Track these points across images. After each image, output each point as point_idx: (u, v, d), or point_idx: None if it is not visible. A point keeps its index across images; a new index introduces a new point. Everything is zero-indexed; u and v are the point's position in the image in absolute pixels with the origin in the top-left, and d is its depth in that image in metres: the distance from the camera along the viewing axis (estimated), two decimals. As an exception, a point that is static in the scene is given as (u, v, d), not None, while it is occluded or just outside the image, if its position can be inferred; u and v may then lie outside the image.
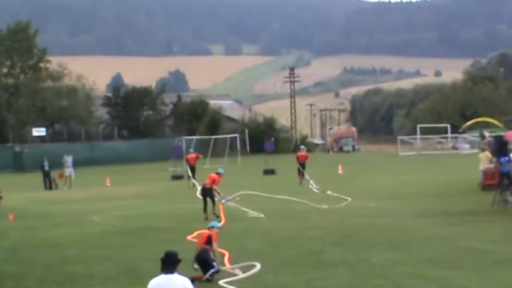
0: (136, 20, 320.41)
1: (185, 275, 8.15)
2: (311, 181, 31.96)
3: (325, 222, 19.60)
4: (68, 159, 37.53)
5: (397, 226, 18.33)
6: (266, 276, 12.56)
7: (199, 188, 25.22)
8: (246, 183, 35.00)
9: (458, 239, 15.98)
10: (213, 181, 20.88)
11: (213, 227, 13.29)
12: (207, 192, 20.91)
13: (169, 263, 7.87)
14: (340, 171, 39.70)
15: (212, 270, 12.37)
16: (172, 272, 7.81)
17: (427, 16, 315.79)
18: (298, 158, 35.22)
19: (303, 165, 34.56)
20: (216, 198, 20.87)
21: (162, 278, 7.77)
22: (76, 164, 39.42)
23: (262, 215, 21.23)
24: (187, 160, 36.46)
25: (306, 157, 35.33)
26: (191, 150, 39.96)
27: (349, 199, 24.99)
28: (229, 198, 21.31)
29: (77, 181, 37.86)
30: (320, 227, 18.49)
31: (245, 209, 22.07)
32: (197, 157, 36.81)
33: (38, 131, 60.70)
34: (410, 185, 30.55)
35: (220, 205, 20.54)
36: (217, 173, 21.29)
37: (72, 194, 32.54)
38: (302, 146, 39.49)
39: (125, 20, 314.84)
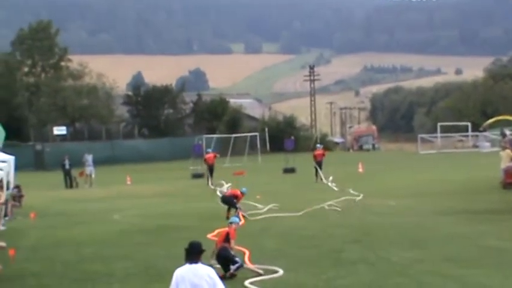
0: (156, 18, 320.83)
1: (211, 266, 8.28)
2: (330, 178, 32.39)
3: (345, 220, 19.53)
4: (89, 158, 37.58)
5: (417, 224, 18.22)
6: (286, 275, 12.51)
7: (216, 189, 25.22)
8: (266, 181, 35.09)
9: (479, 238, 15.85)
10: (236, 196, 20.86)
11: (231, 223, 13.30)
12: (226, 200, 21.03)
13: (194, 253, 8.00)
14: (360, 170, 39.48)
15: (237, 265, 12.38)
16: (196, 262, 7.94)
17: (447, 14, 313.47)
18: (315, 156, 35.48)
19: (319, 164, 34.89)
20: (237, 205, 20.86)
21: (187, 268, 7.91)
22: (96, 162, 39.50)
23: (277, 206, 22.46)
24: (205, 160, 36.88)
25: (323, 155, 35.73)
26: (209, 150, 40.08)
27: (361, 195, 25.33)
28: (245, 214, 21.17)
29: (98, 180, 37.92)
30: (340, 225, 18.43)
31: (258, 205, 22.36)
32: (215, 156, 37.29)
33: (59, 130, 60.62)
34: (431, 184, 30.32)
35: (240, 213, 20.52)
36: (241, 192, 21.22)
37: (93, 193, 32.63)
38: (318, 145, 39.48)
39: (145, 18, 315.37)
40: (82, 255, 15.58)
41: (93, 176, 37.52)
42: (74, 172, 37.49)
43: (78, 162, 38.26)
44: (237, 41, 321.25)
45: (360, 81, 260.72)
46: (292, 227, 18.54)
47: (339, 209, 21.88)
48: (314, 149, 38.26)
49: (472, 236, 16.04)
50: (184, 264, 8.00)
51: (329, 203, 23.02)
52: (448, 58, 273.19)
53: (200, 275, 7.81)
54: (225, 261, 12.48)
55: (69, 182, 37.05)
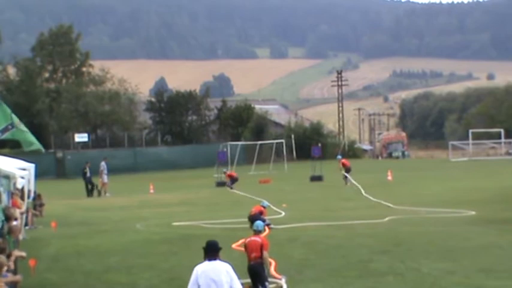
0: (180, 22, 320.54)
1: (227, 262, 8.80)
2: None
3: (373, 229, 19.23)
4: (105, 166, 37.08)
5: (448, 234, 17.87)
6: (312, 285, 12.38)
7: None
8: (293, 190, 34.74)
9: None
10: (261, 212, 20.46)
11: (259, 231, 12.72)
12: (254, 218, 20.55)
13: (212, 251, 8.72)
14: (389, 178, 38.94)
15: None
16: (215, 259, 8.67)
17: (479, 17, 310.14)
18: (344, 164, 36.72)
19: (349, 170, 36.18)
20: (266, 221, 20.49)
21: (207, 264, 8.63)
22: (119, 170, 39.29)
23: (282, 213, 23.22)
24: (229, 176, 37.84)
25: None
26: (225, 170, 39.71)
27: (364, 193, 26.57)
28: (273, 226, 20.84)
29: (120, 188, 37.77)
30: (368, 235, 18.13)
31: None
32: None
33: (80, 137, 59.67)
34: (462, 192, 29.82)
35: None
36: (263, 206, 20.91)
37: (115, 202, 32.39)
38: (339, 156, 39.29)
39: (169, 23, 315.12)
40: (104, 265, 15.41)
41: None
42: (95, 180, 37.06)
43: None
44: (263, 46, 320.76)
45: (388, 86, 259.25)
46: (319, 236, 18.29)
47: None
48: (343, 157, 38.25)
49: (505, 247, 15.73)
50: (203, 261, 8.69)
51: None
52: (479, 63, 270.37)
53: (219, 270, 8.53)
54: (258, 277, 12.02)
55: (91, 190, 36.31)
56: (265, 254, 12.08)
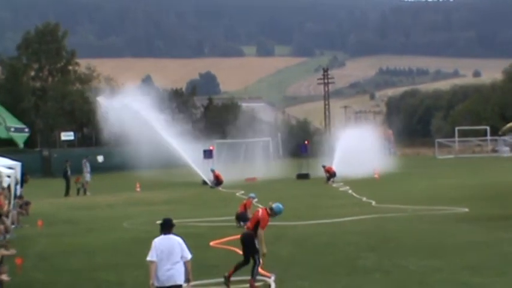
0: (166, 21, 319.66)
1: (180, 236, 10.12)
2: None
3: (361, 227, 19.27)
4: (88, 164, 36.85)
5: (435, 231, 17.92)
6: (299, 283, 12.36)
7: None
8: (279, 188, 34.78)
9: (499, 245, 15.56)
10: (245, 205, 20.55)
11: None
12: (241, 217, 20.55)
13: (167, 227, 10.14)
14: (376, 176, 39.06)
15: (257, 267, 12.13)
16: (169, 233, 10.10)
17: (465, 15, 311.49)
18: (328, 171, 37.42)
19: (334, 175, 37.11)
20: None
21: (163, 237, 10.07)
22: (105, 169, 38.98)
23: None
24: (217, 177, 37.91)
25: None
26: (213, 169, 39.34)
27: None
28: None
29: (107, 186, 37.52)
30: (356, 232, 18.17)
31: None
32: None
33: (66, 135, 59.70)
34: (449, 189, 29.98)
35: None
36: (249, 197, 21.04)
37: (102, 200, 32.27)
38: (323, 164, 39.48)
39: (155, 21, 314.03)
40: (91, 263, 15.37)
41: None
42: (75, 178, 36.65)
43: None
44: (249, 44, 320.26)
45: (375, 84, 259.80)
46: (306, 234, 18.32)
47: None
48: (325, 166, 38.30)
49: (492, 244, 15.77)
50: (160, 235, 10.11)
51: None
52: (465, 60, 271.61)
53: (173, 242, 9.98)
54: (246, 248, 12.35)
55: (67, 189, 35.71)
56: (260, 231, 12.26)
